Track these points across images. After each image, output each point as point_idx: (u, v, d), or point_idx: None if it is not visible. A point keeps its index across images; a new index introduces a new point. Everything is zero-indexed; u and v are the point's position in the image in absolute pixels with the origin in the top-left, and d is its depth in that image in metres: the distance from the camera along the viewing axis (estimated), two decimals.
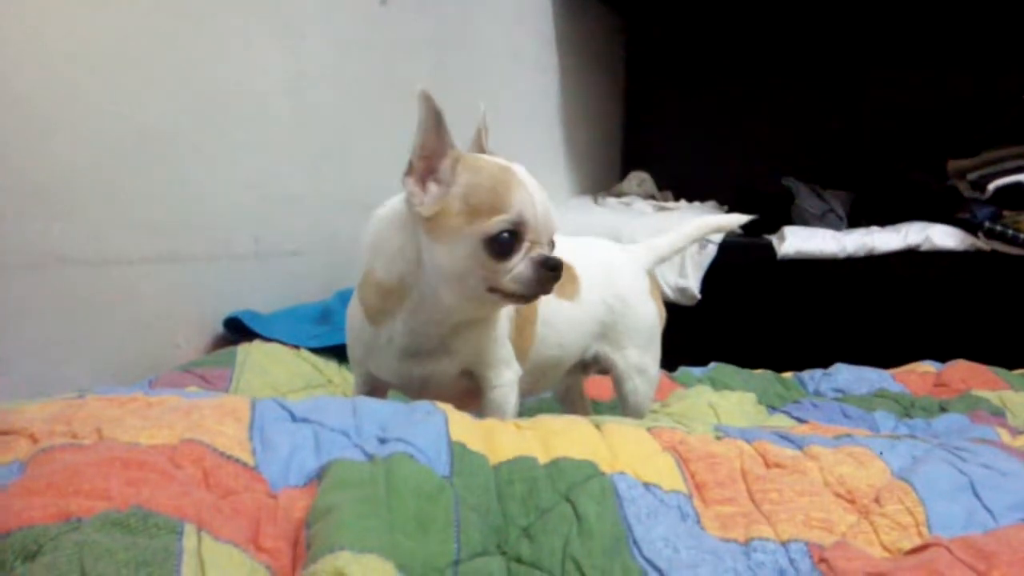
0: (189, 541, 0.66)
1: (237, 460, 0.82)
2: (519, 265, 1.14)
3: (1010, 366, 2.09)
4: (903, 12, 3.21)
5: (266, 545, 0.72)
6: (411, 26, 2.31)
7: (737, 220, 1.72)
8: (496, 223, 1.12)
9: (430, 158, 1.14)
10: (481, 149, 1.23)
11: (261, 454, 0.86)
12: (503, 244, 1.13)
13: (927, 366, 2.04)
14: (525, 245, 1.15)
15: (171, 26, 1.63)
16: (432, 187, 1.14)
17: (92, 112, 1.49)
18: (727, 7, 3.40)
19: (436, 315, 1.19)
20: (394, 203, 1.23)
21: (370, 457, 0.86)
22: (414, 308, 1.19)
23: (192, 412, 0.87)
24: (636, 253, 1.57)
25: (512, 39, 2.86)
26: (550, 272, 1.15)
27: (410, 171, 1.15)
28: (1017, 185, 2.45)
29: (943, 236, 2.57)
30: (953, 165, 2.63)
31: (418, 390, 1.26)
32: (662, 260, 1.63)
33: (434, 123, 1.13)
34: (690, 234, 1.65)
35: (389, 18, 2.23)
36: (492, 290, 1.15)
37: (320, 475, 0.84)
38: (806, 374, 2.01)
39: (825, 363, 2.10)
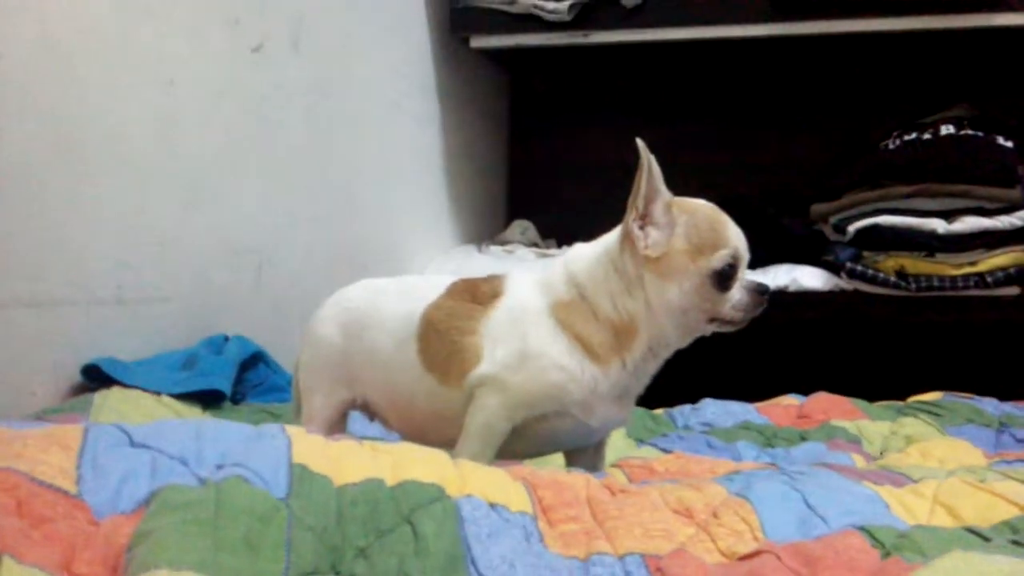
0: None
1: (57, 488, 0.80)
2: (736, 294, 1.23)
3: (872, 398, 2.17)
4: (778, 71, 3.35)
5: (80, 571, 0.70)
6: (286, 73, 2.31)
7: None
8: (720, 257, 1.21)
9: (647, 203, 1.21)
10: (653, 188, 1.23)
11: (89, 482, 0.83)
12: (726, 276, 1.22)
13: (791, 399, 2.11)
14: (739, 275, 1.24)
15: (33, 64, 1.60)
16: (652, 231, 1.22)
17: None
18: (610, 63, 3.50)
19: (661, 351, 1.27)
20: (589, 249, 1.30)
21: (203, 482, 0.84)
22: (645, 346, 1.24)
23: (15, 442, 0.84)
24: None
25: (393, 88, 2.89)
26: (762, 296, 1.25)
27: (637, 216, 1.22)
28: (875, 227, 2.56)
29: (809, 277, 2.67)
30: (815, 209, 2.75)
31: (596, 439, 1.32)
32: None
33: (650, 170, 1.20)
34: None
35: (262, 64, 2.22)
36: (711, 320, 1.25)
37: (149, 501, 0.82)
38: (676, 410, 2.05)
39: (696, 399, 2.15)
